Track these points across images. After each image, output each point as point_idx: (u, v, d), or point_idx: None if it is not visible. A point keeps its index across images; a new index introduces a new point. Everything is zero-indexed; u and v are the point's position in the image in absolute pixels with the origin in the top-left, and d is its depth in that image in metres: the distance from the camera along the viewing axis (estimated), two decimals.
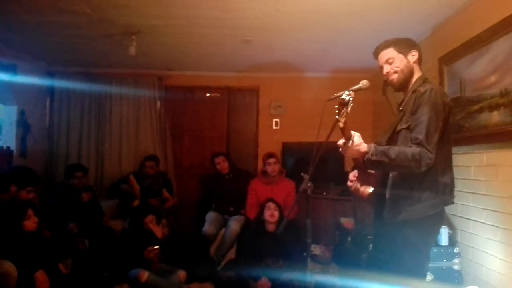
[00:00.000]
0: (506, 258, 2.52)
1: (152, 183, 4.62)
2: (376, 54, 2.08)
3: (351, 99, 1.72)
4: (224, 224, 4.34)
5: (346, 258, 3.62)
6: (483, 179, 2.82)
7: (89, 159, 5.05)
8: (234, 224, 4.18)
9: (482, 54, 2.81)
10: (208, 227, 4.30)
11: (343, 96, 1.72)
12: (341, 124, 1.75)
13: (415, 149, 1.74)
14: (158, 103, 5.24)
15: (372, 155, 1.77)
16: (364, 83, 1.94)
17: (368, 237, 3.20)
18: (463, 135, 2.99)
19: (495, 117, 2.66)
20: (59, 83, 5.04)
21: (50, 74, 5.05)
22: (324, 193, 4.67)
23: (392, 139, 1.98)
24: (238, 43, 4.05)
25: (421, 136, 1.76)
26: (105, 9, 3.23)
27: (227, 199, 4.47)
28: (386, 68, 2.03)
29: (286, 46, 4.17)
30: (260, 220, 3.74)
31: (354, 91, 1.88)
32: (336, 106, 1.69)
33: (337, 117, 1.73)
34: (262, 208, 3.75)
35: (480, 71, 2.84)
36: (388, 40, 2.05)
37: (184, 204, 5.12)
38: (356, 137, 1.80)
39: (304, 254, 2.29)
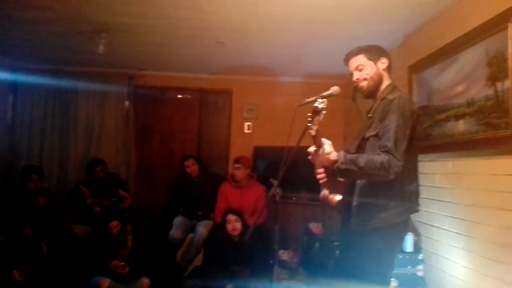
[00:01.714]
0: (469, 265, 2.56)
1: (105, 185, 4.48)
2: (346, 60, 2.09)
3: (324, 106, 1.70)
4: (192, 229, 4.25)
5: (314, 264, 3.62)
6: (448, 186, 2.86)
7: (52, 160, 4.89)
8: (202, 229, 4.10)
9: (450, 64, 2.86)
10: (174, 232, 4.21)
11: (316, 104, 1.70)
12: (313, 132, 1.73)
13: (383, 157, 1.74)
14: (127, 103, 5.11)
15: (341, 163, 1.77)
16: (335, 89, 1.94)
17: (335, 243, 3.20)
18: (429, 143, 3.03)
19: (461, 126, 2.71)
20: (24, 80, 4.84)
21: (14, 70, 4.84)
22: (294, 198, 4.65)
23: (360, 146, 1.98)
24: (212, 44, 4.00)
25: (389, 144, 1.76)
26: (74, 5, 3.11)
27: (196, 203, 4.39)
28: (356, 75, 2.03)
29: (260, 50, 4.14)
30: (225, 227, 3.66)
31: (325, 97, 1.87)
32: (309, 114, 1.67)
33: (309, 124, 1.71)
34: (223, 219, 3.67)
35: (448, 80, 2.89)
36: (359, 47, 2.06)
37: (152, 208, 5.00)
38: (327, 145, 1.79)
39: (271, 261, 2.25)
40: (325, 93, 1.90)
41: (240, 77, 5.28)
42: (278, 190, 2.24)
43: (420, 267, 3.03)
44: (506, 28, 2.20)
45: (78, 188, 4.37)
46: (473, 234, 2.53)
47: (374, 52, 2.03)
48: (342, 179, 2.00)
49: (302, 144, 1.90)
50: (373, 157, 1.76)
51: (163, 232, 4.39)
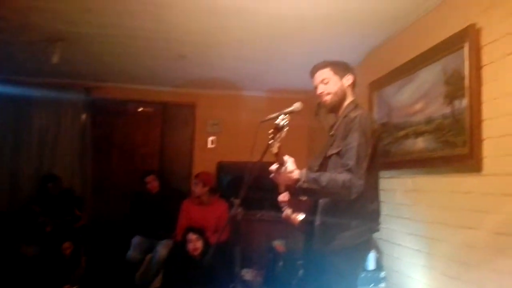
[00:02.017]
0: (430, 282, 2.56)
1: (59, 203, 4.24)
2: (312, 73, 2.06)
3: (286, 123, 1.65)
4: (151, 248, 4.06)
5: (277, 283, 3.53)
6: (408, 203, 2.88)
7: (2, 176, 4.60)
8: (162, 249, 3.93)
9: (409, 82, 2.91)
10: (133, 252, 4.02)
11: (277, 121, 1.64)
12: (274, 150, 1.68)
13: (345, 176, 1.72)
14: (84, 116, 4.89)
15: (303, 182, 1.72)
16: (297, 106, 1.91)
17: (299, 262, 3.13)
18: (389, 159, 3.05)
19: (420, 143, 2.74)
20: None
21: None
22: (259, 215, 4.57)
23: (323, 164, 1.95)
24: (173, 57, 3.90)
25: (351, 163, 1.74)
26: (24, 13, 2.95)
27: (156, 222, 4.20)
28: (321, 88, 2.01)
29: (224, 64, 4.09)
30: (184, 247, 3.52)
31: (287, 113, 1.84)
32: (271, 131, 1.62)
33: (270, 142, 1.65)
34: (184, 238, 3.54)
35: (407, 98, 2.94)
36: (326, 60, 2.05)
37: (109, 226, 4.76)
38: (290, 163, 1.73)
39: (232, 286, 2.15)
40: (287, 110, 1.86)
41: (204, 90, 5.19)
42: (239, 210, 2.15)
43: (382, 285, 3.02)
44: (463, 47, 2.25)
45: (28, 206, 4.09)
46: (433, 251, 2.54)
47: (341, 67, 2.02)
48: (304, 198, 1.95)
49: (266, 159, 1.83)
50: (335, 176, 1.74)
51: (120, 252, 4.17)
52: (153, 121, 5.19)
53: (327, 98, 1.99)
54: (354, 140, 1.78)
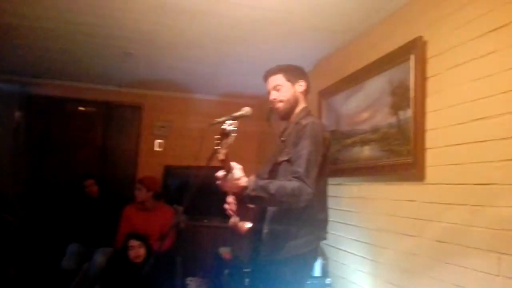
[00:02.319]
0: None
1: None
2: (265, 77, 2.02)
3: (233, 129, 1.57)
4: (88, 257, 3.80)
5: None
6: (353, 210, 2.92)
7: None
8: (100, 258, 3.67)
9: (357, 91, 2.96)
10: (67, 261, 3.73)
11: (224, 126, 1.55)
12: (221, 156, 1.59)
13: (294, 184, 1.68)
14: (18, 114, 4.50)
15: (252, 190, 1.66)
16: (246, 110, 1.87)
17: (245, 270, 3.06)
18: (337, 167, 3.08)
19: (367, 151, 2.78)
20: None
21: None
22: (206, 221, 4.46)
23: (273, 171, 1.91)
24: (119, 55, 3.71)
25: (301, 170, 1.70)
26: None
27: (94, 228, 3.95)
28: (273, 95, 1.98)
29: (172, 64, 3.95)
30: (126, 254, 3.33)
31: (236, 118, 1.79)
32: (216, 137, 1.53)
33: (217, 147, 1.56)
34: (125, 244, 3.34)
35: (355, 107, 2.99)
36: (279, 65, 2.01)
37: (43, 232, 4.40)
38: (237, 170, 1.66)
39: None
40: (236, 114, 1.81)
41: (151, 91, 5.00)
42: (183, 217, 2.04)
43: None
44: (409, 59, 2.31)
45: None
46: (378, 258, 2.58)
47: (294, 73, 1.99)
48: (252, 206, 1.89)
49: (213, 164, 1.76)
50: (284, 184, 1.69)
51: (54, 260, 3.86)
52: (95, 121, 4.90)
53: (279, 106, 1.97)
54: (304, 147, 1.76)
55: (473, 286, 1.79)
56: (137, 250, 3.28)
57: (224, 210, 1.90)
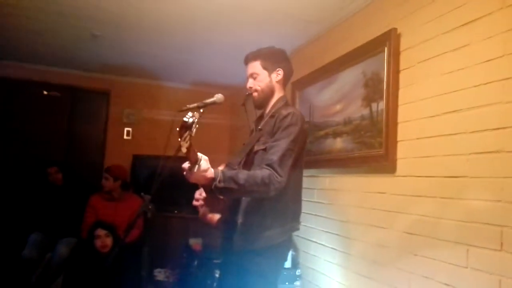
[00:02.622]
0: (343, 281, 2.61)
1: None
2: (245, 62, 1.98)
3: (195, 121, 1.49)
4: (51, 247, 3.65)
5: (192, 284, 3.38)
6: (325, 202, 2.92)
7: None
8: (63, 248, 3.55)
9: (330, 83, 2.94)
10: (29, 251, 3.58)
11: (185, 119, 1.47)
12: (183, 149, 1.50)
13: (265, 172, 1.65)
14: None
15: (219, 181, 1.60)
16: (218, 97, 1.84)
17: (215, 261, 3.02)
18: (310, 158, 3.07)
19: (339, 143, 2.78)
20: None
21: None
22: (176, 211, 4.38)
23: (247, 160, 1.87)
24: (85, 37, 3.54)
25: (275, 158, 1.68)
26: None
27: (57, 217, 3.79)
28: (249, 83, 1.95)
29: (142, 49, 3.81)
30: (92, 244, 3.21)
31: (208, 104, 1.76)
32: (178, 129, 1.44)
33: (179, 139, 1.48)
34: (91, 234, 3.23)
35: (328, 98, 2.97)
36: (260, 50, 1.96)
37: (3, 222, 4.20)
38: (203, 162, 1.59)
39: None
40: (208, 100, 1.77)
41: (120, 78, 4.83)
42: (150, 206, 1.97)
43: (297, 283, 3.03)
44: (383, 51, 2.30)
45: None
46: (347, 250, 2.59)
47: (272, 60, 1.94)
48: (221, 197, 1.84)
49: (182, 155, 1.71)
50: (254, 173, 1.66)
51: (15, 250, 3.68)
52: (61, 107, 4.68)
53: (254, 95, 1.94)
54: (282, 137, 1.74)
55: (441, 278, 1.82)
56: (104, 240, 3.18)
57: (194, 207, 1.85)
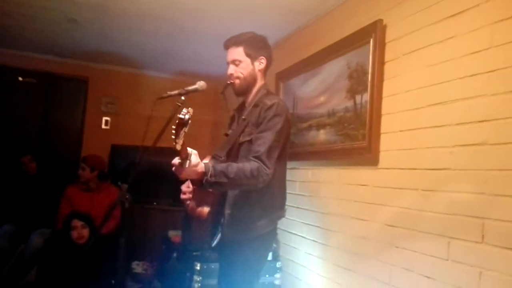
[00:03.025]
0: (323, 273, 2.60)
1: None
2: (226, 46, 1.92)
3: (189, 117, 1.45)
4: (25, 238, 3.54)
5: (170, 276, 3.32)
6: (306, 194, 2.90)
7: None
8: (37, 239, 3.44)
9: (314, 75, 2.91)
10: (1, 242, 3.46)
11: (181, 116, 1.43)
12: (178, 147, 1.48)
13: (253, 165, 1.66)
14: None
15: (211, 176, 1.60)
16: (201, 84, 1.85)
17: (195, 253, 2.96)
18: (292, 150, 3.02)
19: (322, 135, 2.76)
20: None
21: None
22: (155, 203, 4.31)
23: (232, 151, 1.85)
24: (62, 21, 3.41)
25: (262, 150, 1.69)
26: None
27: (31, 208, 3.67)
28: (231, 69, 1.89)
29: (122, 36, 3.69)
30: (67, 235, 3.12)
31: (190, 92, 1.77)
32: (174, 127, 1.43)
33: (173, 137, 1.45)
34: (67, 225, 3.13)
35: (312, 90, 2.94)
36: (242, 35, 1.90)
37: None
38: (193, 156, 1.57)
39: (113, 281, 1.90)
40: (190, 88, 1.77)
41: (99, 65, 4.69)
42: (127, 196, 1.91)
43: (277, 275, 3.01)
44: (368, 42, 2.28)
45: None
46: (328, 242, 2.58)
47: (255, 47, 1.89)
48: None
49: (162, 145, 1.71)
50: (243, 166, 1.66)
51: None
52: (36, 93, 4.51)
53: (236, 82, 1.89)
54: (268, 128, 1.74)
55: (422, 270, 1.82)
56: (81, 231, 3.09)
57: (182, 200, 1.83)
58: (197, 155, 1.60)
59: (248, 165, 1.66)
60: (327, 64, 2.77)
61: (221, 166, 1.65)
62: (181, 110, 1.44)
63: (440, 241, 1.73)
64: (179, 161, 1.56)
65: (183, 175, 1.61)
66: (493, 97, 1.57)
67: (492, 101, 1.57)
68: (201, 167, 1.59)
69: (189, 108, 1.46)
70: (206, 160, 1.77)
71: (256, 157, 1.68)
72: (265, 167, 1.67)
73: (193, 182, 1.78)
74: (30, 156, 3.82)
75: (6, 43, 4.14)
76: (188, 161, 1.55)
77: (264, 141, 1.71)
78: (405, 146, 2.01)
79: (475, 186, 1.60)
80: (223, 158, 1.82)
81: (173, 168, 1.61)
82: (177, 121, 1.43)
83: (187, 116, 1.44)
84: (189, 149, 1.56)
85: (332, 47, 2.68)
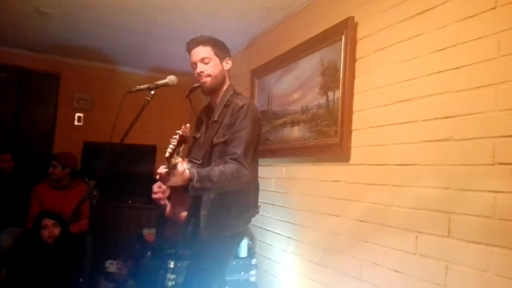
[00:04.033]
0: (297, 269, 2.60)
1: None
2: (191, 47, 1.90)
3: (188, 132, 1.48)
4: None
5: (145, 274, 3.27)
6: (281, 191, 2.90)
7: None
8: (6, 238, 3.33)
9: (289, 71, 2.91)
10: None
11: (181, 132, 1.45)
12: (175, 161, 1.51)
13: (232, 167, 1.70)
14: None
15: (196, 182, 1.62)
16: (171, 78, 1.88)
17: (169, 251, 2.93)
18: (267, 147, 3.04)
19: (296, 132, 2.76)
20: None
21: None
22: (129, 201, 4.24)
23: (207, 153, 1.85)
24: (32, 13, 3.30)
25: (239, 151, 1.72)
26: None
27: (1, 207, 3.55)
28: (201, 67, 1.87)
29: (94, 30, 3.60)
30: (37, 234, 3.04)
31: (159, 86, 1.83)
32: (173, 144, 1.45)
33: (168, 152, 1.47)
34: (37, 224, 3.06)
35: (286, 87, 2.94)
36: (205, 36, 1.90)
37: None
38: (179, 165, 1.57)
39: (81, 280, 1.86)
40: (159, 82, 1.83)
41: (71, 60, 4.56)
42: (95, 193, 1.87)
43: (253, 272, 3.01)
44: (340, 40, 2.29)
45: None
46: (302, 238, 2.59)
47: (222, 49, 1.92)
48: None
49: (130, 141, 1.74)
50: (224, 170, 1.69)
51: None
52: (6, 88, 4.35)
53: (207, 80, 1.88)
54: (242, 128, 1.76)
55: (391, 264, 1.84)
56: (51, 230, 3.02)
57: (154, 199, 1.83)
58: (182, 163, 1.60)
59: (228, 168, 1.69)
60: (301, 61, 2.77)
61: (205, 171, 1.67)
62: (181, 127, 1.46)
63: (408, 235, 1.75)
64: (166, 170, 1.56)
65: (169, 183, 1.62)
66: (458, 93, 1.60)
67: (457, 97, 1.60)
68: (186, 174, 1.60)
69: (187, 125, 1.48)
70: (184, 164, 1.76)
71: (233, 159, 1.71)
72: (243, 168, 1.71)
73: (173, 187, 1.77)
74: (10, 154, 3.69)
75: None
76: (175, 170, 1.55)
77: (240, 142, 1.74)
78: (375, 142, 2.03)
79: (441, 181, 1.63)
80: (200, 161, 1.83)
81: (158, 177, 1.62)
82: (177, 138, 1.45)
83: (187, 133, 1.47)
84: (176, 158, 1.54)
85: (306, 44, 2.68)
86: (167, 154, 1.48)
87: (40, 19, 3.38)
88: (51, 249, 3.01)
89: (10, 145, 4.17)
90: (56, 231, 3.05)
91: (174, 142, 1.45)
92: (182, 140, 1.46)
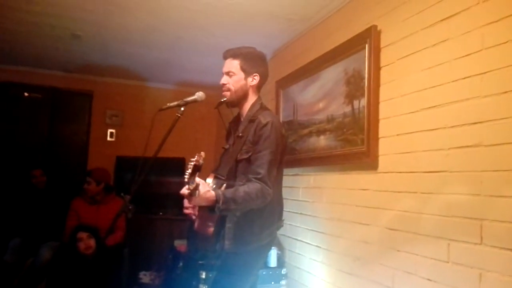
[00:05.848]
0: (327, 278, 2.60)
1: None
2: (224, 57, 1.97)
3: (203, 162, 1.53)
4: (34, 252, 3.58)
5: (177, 285, 3.34)
6: (309, 200, 2.91)
7: None
8: (46, 252, 3.48)
9: (313, 81, 2.94)
10: (10, 256, 3.51)
11: (195, 162, 1.51)
12: (191, 186, 1.55)
13: (256, 186, 1.72)
14: None
15: (222, 203, 1.67)
16: (199, 95, 1.93)
17: (200, 262, 2.98)
18: (294, 157, 3.06)
19: (322, 141, 2.78)
20: None
21: None
22: (161, 213, 4.35)
23: (232, 169, 1.89)
24: (66, 37, 3.49)
25: (263, 172, 1.74)
26: None
27: (40, 221, 3.72)
28: (224, 80, 1.94)
29: (123, 49, 3.76)
30: (74, 247, 3.16)
31: (188, 103, 1.87)
32: (189, 171, 1.51)
33: (186, 178, 1.53)
34: (73, 237, 3.18)
35: (311, 97, 2.97)
36: (241, 49, 1.94)
37: None
38: (202, 186, 1.62)
39: None
40: (188, 99, 1.87)
41: (102, 78, 4.77)
42: (130, 207, 1.94)
43: (283, 282, 3.01)
44: (364, 48, 2.31)
45: None
46: (331, 247, 2.59)
47: (251, 63, 1.93)
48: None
49: (163, 155, 1.80)
50: (249, 190, 1.71)
51: None
52: (41, 108, 4.56)
53: (226, 94, 1.94)
54: (265, 148, 1.78)
55: (423, 273, 1.82)
56: (87, 242, 3.15)
57: (186, 215, 1.87)
58: (205, 184, 1.65)
59: (252, 188, 1.71)
60: (325, 71, 2.80)
61: (230, 192, 1.70)
62: (195, 155, 1.50)
63: (440, 243, 1.73)
64: (188, 191, 1.59)
65: (193, 203, 1.67)
66: (486, 99, 1.58)
67: (485, 103, 1.59)
68: (211, 195, 1.64)
69: (202, 153, 1.53)
70: (210, 179, 1.84)
71: (258, 179, 1.73)
72: (267, 187, 1.73)
73: (201, 206, 1.81)
74: (41, 170, 3.88)
75: (12, 59, 4.24)
76: (197, 191, 1.59)
77: (263, 161, 1.76)
78: (402, 149, 2.02)
79: (472, 187, 1.61)
80: (225, 177, 1.86)
81: (183, 197, 1.66)
82: (192, 166, 1.49)
83: (201, 161, 1.51)
84: (197, 179, 1.58)
85: (329, 54, 2.71)
86: (185, 179, 1.53)
87: (73, 41, 3.56)
88: (88, 261, 3.14)
89: (43, 162, 4.36)
90: (92, 242, 3.17)
91: (189, 170, 1.50)
92: (196, 169, 1.50)
